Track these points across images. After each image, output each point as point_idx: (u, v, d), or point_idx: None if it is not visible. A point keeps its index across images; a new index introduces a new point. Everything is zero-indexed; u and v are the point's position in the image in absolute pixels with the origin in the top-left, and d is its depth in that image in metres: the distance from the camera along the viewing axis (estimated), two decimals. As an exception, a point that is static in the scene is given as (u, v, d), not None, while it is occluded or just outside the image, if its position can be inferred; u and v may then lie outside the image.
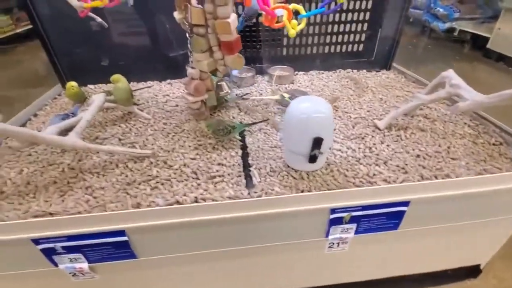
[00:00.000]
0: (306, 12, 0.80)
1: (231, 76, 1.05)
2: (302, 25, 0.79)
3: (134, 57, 1.08)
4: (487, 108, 0.72)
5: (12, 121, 0.84)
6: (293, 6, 0.77)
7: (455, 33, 3.19)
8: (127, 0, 0.69)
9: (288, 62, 1.13)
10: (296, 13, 0.78)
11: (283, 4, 0.76)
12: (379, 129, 0.76)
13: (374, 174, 0.61)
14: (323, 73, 1.15)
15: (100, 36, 1.01)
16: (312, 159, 0.58)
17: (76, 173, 0.65)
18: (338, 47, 1.13)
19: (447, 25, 3.22)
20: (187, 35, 0.68)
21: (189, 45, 0.69)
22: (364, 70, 1.17)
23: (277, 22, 0.77)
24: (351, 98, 0.94)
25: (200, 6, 0.62)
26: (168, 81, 1.12)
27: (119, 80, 0.78)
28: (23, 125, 0.86)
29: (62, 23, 0.98)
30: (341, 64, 1.17)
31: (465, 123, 0.80)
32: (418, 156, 0.67)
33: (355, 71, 1.16)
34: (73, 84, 0.90)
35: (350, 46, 1.14)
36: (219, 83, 0.78)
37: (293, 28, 0.77)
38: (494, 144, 0.71)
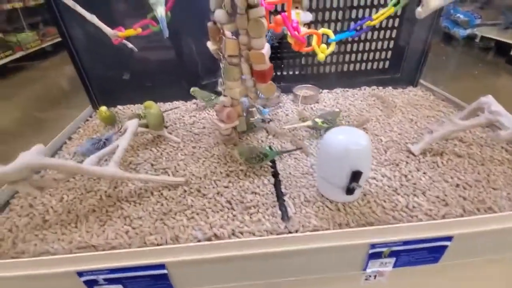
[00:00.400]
0: (335, 35, 0.80)
1: (256, 96, 1.06)
2: (331, 48, 0.79)
3: (161, 79, 1.10)
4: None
5: (49, 146, 0.87)
6: (322, 30, 0.77)
7: (477, 40, 3.10)
8: (162, 31, 0.71)
9: (312, 80, 1.13)
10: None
11: (312, 30, 0.76)
12: (413, 154, 0.74)
13: (413, 207, 0.60)
14: (347, 91, 1.14)
15: (130, 59, 1.05)
16: (350, 191, 0.57)
17: (113, 201, 0.66)
18: (363, 64, 1.12)
19: (468, 31, 3.14)
20: (220, 64, 0.69)
21: (222, 74, 0.70)
22: (390, 87, 1.15)
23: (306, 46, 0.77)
24: (380, 119, 0.92)
25: (234, 37, 0.63)
26: (194, 101, 1.13)
27: (151, 107, 0.80)
28: (60, 148, 0.90)
29: (94, 47, 1.02)
30: (366, 81, 1.15)
31: (502, 147, 0.77)
32: (457, 185, 0.65)
33: (380, 88, 1.15)
34: (104, 109, 0.93)
35: (375, 63, 1.12)
36: (250, 109, 0.79)
37: (323, 52, 0.77)
38: (538, 171, 0.68)
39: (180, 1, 0.71)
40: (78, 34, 0.99)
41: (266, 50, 0.63)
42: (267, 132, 0.89)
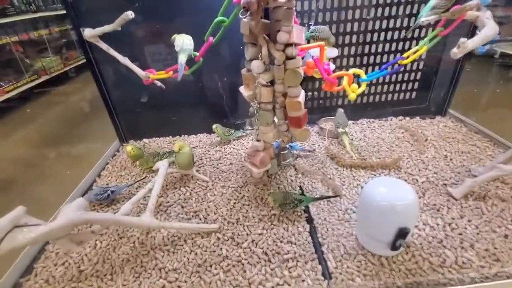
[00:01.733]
0: (366, 75, 0.79)
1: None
2: (363, 88, 0.78)
3: (186, 113, 1.12)
4: None
5: (80, 186, 0.88)
6: (353, 71, 0.77)
7: (496, 56, 3.04)
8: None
9: (335, 112, 1.11)
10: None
11: (344, 72, 0.76)
12: (454, 198, 0.71)
13: (463, 263, 0.56)
14: (373, 121, 1.12)
15: (157, 94, 1.07)
16: (395, 248, 0.54)
17: (147, 249, 0.65)
18: (390, 95, 1.10)
19: (487, 47, 3.08)
20: (255, 110, 0.69)
21: (255, 118, 0.70)
22: (418, 117, 1.12)
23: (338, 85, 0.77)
24: (412, 155, 0.89)
25: (269, 85, 0.63)
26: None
27: (183, 147, 0.80)
28: (90, 186, 0.91)
29: (123, 84, 1.05)
30: (392, 111, 1.13)
31: (551, 190, 0.72)
32: (506, 236, 0.61)
33: (407, 118, 1.12)
34: (130, 148, 0.94)
35: (402, 94, 1.10)
36: (282, 152, 0.78)
37: (354, 91, 0.77)
38: None
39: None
40: (109, 71, 1.02)
41: (302, 97, 0.63)
42: (295, 170, 0.88)
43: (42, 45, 3.67)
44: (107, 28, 0.81)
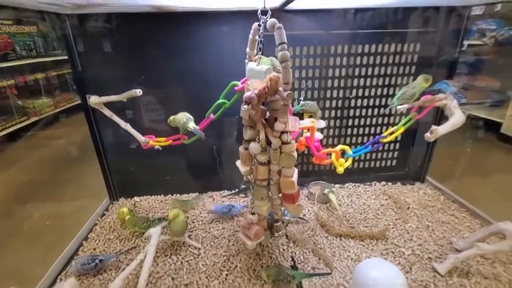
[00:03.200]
0: (352, 151, 0.87)
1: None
2: (349, 162, 0.85)
3: (180, 173, 1.14)
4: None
5: (67, 250, 0.86)
6: (340, 147, 0.85)
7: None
8: (199, 137, 0.78)
9: (323, 175, 1.18)
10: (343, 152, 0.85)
11: (332, 149, 0.83)
12: (439, 274, 0.74)
13: None
14: (359, 186, 1.18)
15: (152, 155, 1.10)
16: (388, 334, 0.55)
17: (134, 331, 0.63)
18: (372, 162, 1.19)
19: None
20: (248, 181, 0.74)
21: (247, 187, 0.74)
22: (399, 183, 1.20)
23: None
24: (397, 224, 0.94)
25: (266, 163, 0.68)
26: (210, 193, 1.16)
27: (177, 216, 0.81)
28: (76, 251, 0.88)
29: (120, 144, 1.08)
30: (375, 177, 1.21)
31: (527, 266, 0.77)
32: (491, 316, 0.64)
33: (390, 184, 1.20)
34: (126, 211, 0.93)
35: (383, 161, 1.19)
36: (275, 224, 0.81)
37: (341, 165, 0.83)
38: None
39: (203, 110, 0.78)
40: (108, 133, 1.06)
41: (295, 177, 0.68)
42: (287, 237, 0.89)
43: (37, 87, 3.73)
44: (113, 98, 0.87)
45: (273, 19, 0.57)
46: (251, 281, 0.74)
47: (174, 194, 1.17)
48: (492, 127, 2.91)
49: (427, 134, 0.80)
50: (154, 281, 0.75)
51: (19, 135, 3.12)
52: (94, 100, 0.88)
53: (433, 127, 0.79)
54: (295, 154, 0.66)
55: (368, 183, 1.20)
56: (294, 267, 0.78)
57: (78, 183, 1.48)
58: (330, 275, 0.75)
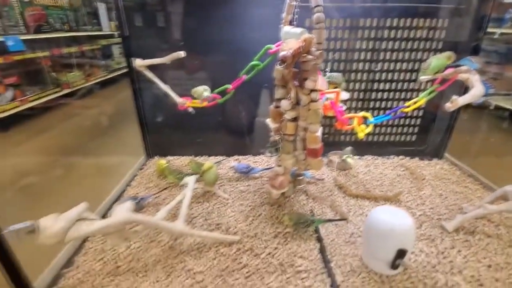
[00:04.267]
0: (373, 118, 0.93)
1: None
2: (369, 128, 0.91)
3: (210, 136, 1.24)
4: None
5: (114, 192, 0.99)
6: (362, 114, 0.91)
7: (491, 107, 3.24)
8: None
9: (343, 146, 1.24)
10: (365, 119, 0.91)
11: (354, 114, 0.90)
12: (447, 231, 0.81)
13: (452, 285, 0.65)
14: (377, 158, 1.24)
15: (185, 117, 1.20)
16: (395, 267, 0.64)
17: (176, 253, 0.74)
18: (392, 136, 1.24)
19: (482, 99, 3.30)
20: (277, 139, 0.82)
21: (272, 147, 0.83)
22: (417, 158, 1.24)
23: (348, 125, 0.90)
24: (412, 191, 1.00)
25: (295, 120, 0.76)
26: (236, 156, 1.26)
27: (211, 167, 0.91)
28: (122, 194, 1.01)
29: (157, 106, 1.19)
30: (394, 151, 1.26)
31: (532, 230, 0.82)
32: (489, 266, 0.70)
33: (408, 158, 1.24)
34: (163, 162, 1.06)
35: (403, 136, 1.24)
36: (298, 178, 0.89)
37: (362, 131, 0.90)
38: None
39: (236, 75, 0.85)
40: (147, 95, 1.16)
41: (320, 132, 0.75)
42: (306, 195, 0.98)
43: (69, 60, 3.93)
44: (157, 60, 0.96)
45: (311, -16, 0.63)
46: (274, 225, 0.84)
47: (203, 156, 1.27)
48: (519, 119, 2.82)
49: (447, 104, 0.85)
50: (189, 220, 0.87)
51: (55, 104, 3.35)
52: (138, 62, 0.98)
53: (453, 97, 0.83)
54: (321, 111, 0.73)
55: (386, 156, 1.25)
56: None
57: (116, 146, 1.63)
58: (345, 226, 0.83)
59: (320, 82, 0.70)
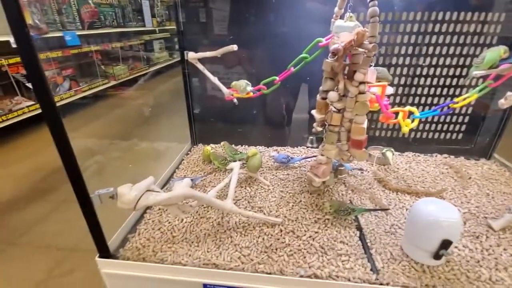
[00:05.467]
0: (419, 113, 0.92)
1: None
2: (415, 123, 0.91)
3: (250, 127, 1.31)
4: None
5: (166, 173, 1.09)
6: (408, 108, 0.91)
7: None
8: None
9: (384, 142, 1.24)
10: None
11: (400, 108, 0.90)
12: (493, 229, 0.79)
13: (496, 280, 0.65)
14: (419, 155, 1.22)
15: (229, 108, 1.28)
16: (438, 257, 0.65)
17: (223, 229, 0.82)
18: (437, 134, 1.21)
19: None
20: (320, 129, 0.86)
21: (314, 138, 0.86)
22: (462, 157, 1.20)
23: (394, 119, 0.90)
24: (456, 189, 0.98)
25: (340, 112, 0.79)
26: (275, 147, 1.31)
27: (256, 154, 0.98)
28: (172, 175, 1.11)
29: (203, 96, 1.27)
30: (438, 149, 1.23)
31: None
32: (541, 267, 0.69)
33: (452, 157, 1.21)
34: (208, 148, 1.14)
35: (449, 134, 1.20)
36: (340, 168, 0.92)
37: (407, 125, 0.90)
38: None
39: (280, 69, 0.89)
40: (196, 85, 1.25)
41: (365, 124, 0.78)
42: (345, 186, 1.00)
43: (115, 55, 4.24)
44: (208, 54, 1.03)
45: (366, -21, 0.65)
46: (314, 212, 0.88)
47: (243, 145, 1.34)
48: None
49: (501, 100, 0.83)
50: (234, 202, 0.93)
51: (104, 94, 3.65)
52: (191, 55, 1.05)
53: (508, 93, 0.81)
54: (368, 103, 0.75)
55: (429, 154, 1.23)
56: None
57: (164, 133, 1.78)
58: (385, 217, 0.85)
59: (370, 74, 0.72)
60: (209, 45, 1.20)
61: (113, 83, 4.00)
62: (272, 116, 1.29)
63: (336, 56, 0.70)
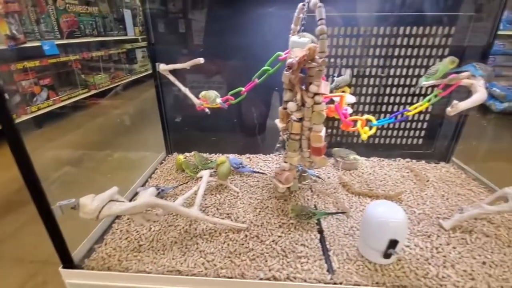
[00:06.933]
0: (376, 121, 0.98)
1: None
2: (373, 131, 0.97)
3: (224, 135, 1.34)
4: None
5: (137, 182, 1.10)
6: (366, 116, 0.97)
7: (516, 113, 3.14)
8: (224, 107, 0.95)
9: (351, 148, 1.29)
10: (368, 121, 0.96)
11: (358, 116, 0.96)
12: (444, 229, 0.85)
13: (443, 277, 0.70)
14: (383, 160, 1.28)
15: (202, 117, 1.30)
16: (387, 256, 0.69)
17: (190, 236, 0.84)
18: (399, 139, 1.28)
19: (505, 105, 3.20)
20: (279, 137, 0.90)
21: (281, 146, 0.90)
22: (423, 161, 1.27)
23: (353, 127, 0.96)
24: (414, 191, 1.04)
25: (300, 120, 0.84)
26: (247, 155, 1.34)
27: (224, 162, 1.01)
28: (144, 184, 1.12)
29: (177, 106, 1.30)
30: (401, 154, 1.30)
31: (531, 233, 0.85)
32: (484, 263, 0.74)
33: (414, 161, 1.28)
34: (181, 157, 1.16)
35: (410, 139, 1.27)
36: (303, 174, 0.96)
37: (365, 133, 0.96)
38: None
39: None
40: (169, 97, 1.28)
41: (323, 132, 0.82)
42: (311, 191, 1.05)
43: (96, 64, 4.20)
44: (178, 65, 1.07)
45: (316, 0, 0.71)
46: (279, 217, 0.91)
47: (217, 154, 1.37)
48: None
49: (448, 108, 0.89)
50: (203, 209, 0.96)
51: (83, 104, 3.60)
52: (162, 67, 1.09)
53: (454, 101, 0.88)
54: (324, 113, 0.80)
55: (393, 159, 1.30)
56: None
57: (139, 143, 1.79)
58: (346, 220, 0.89)
59: (323, 86, 0.77)
60: (182, 57, 1.23)
61: (93, 92, 3.96)
62: (245, 124, 1.33)
63: (292, 70, 0.75)
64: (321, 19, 0.70)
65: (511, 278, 0.70)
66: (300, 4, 0.78)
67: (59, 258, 0.72)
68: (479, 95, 0.90)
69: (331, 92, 1.09)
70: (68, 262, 0.73)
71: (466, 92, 1.13)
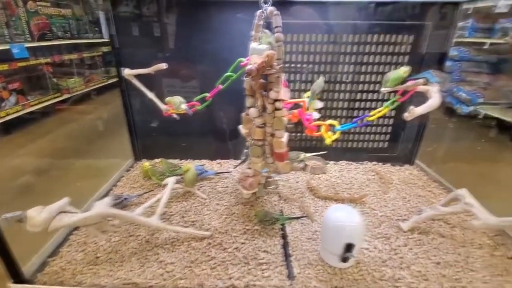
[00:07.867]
0: (340, 126, 1.00)
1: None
2: (337, 136, 0.98)
3: (194, 140, 1.32)
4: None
5: (101, 191, 1.06)
6: (329, 122, 0.98)
7: (480, 117, 3.32)
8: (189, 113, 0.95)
9: (320, 151, 1.31)
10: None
11: (321, 122, 0.98)
12: (403, 230, 0.87)
13: (398, 278, 0.72)
14: (351, 164, 1.31)
15: (171, 123, 1.28)
16: (344, 260, 0.70)
17: (151, 246, 0.81)
18: (365, 143, 1.31)
19: (471, 108, 3.38)
20: (248, 144, 0.90)
21: (249, 151, 0.90)
22: (389, 164, 1.31)
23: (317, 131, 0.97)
24: (377, 194, 1.07)
25: (262, 126, 0.84)
26: (218, 161, 1.33)
27: (190, 169, 0.99)
28: (108, 192, 1.08)
29: (145, 112, 1.27)
30: (368, 157, 1.33)
31: (484, 232, 0.89)
32: (438, 263, 0.77)
33: (380, 164, 1.32)
34: (146, 164, 1.14)
35: (376, 143, 1.31)
36: (268, 180, 0.97)
37: (329, 137, 0.97)
38: (511, 259, 0.79)
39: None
40: (136, 101, 1.25)
41: (285, 138, 0.83)
42: (279, 196, 1.05)
43: (70, 67, 4.05)
44: (142, 71, 1.04)
45: (272, 7, 0.72)
46: (244, 223, 0.91)
47: (188, 160, 1.35)
48: (506, 129, 2.90)
49: (405, 114, 0.93)
50: (167, 217, 0.94)
51: (54, 109, 3.45)
52: (127, 72, 1.06)
53: (411, 107, 0.91)
54: (285, 119, 0.81)
55: (360, 162, 1.33)
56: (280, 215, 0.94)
57: (107, 149, 1.73)
58: (310, 224, 0.90)
59: (283, 93, 0.78)
60: (150, 60, 1.20)
61: (66, 96, 3.81)
62: (216, 130, 1.32)
63: (251, 76, 0.75)
64: (277, 26, 0.70)
65: (463, 278, 0.73)
66: (259, 11, 0.78)
67: (7, 273, 0.68)
68: (433, 101, 0.94)
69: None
70: (17, 277, 0.69)
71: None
